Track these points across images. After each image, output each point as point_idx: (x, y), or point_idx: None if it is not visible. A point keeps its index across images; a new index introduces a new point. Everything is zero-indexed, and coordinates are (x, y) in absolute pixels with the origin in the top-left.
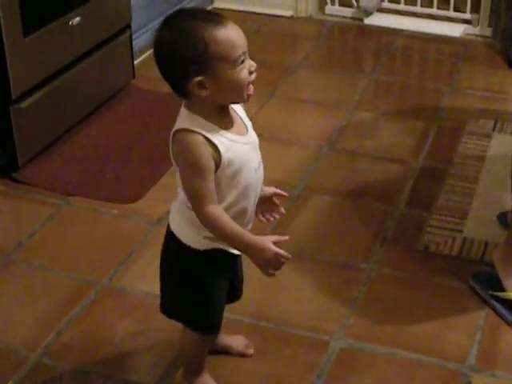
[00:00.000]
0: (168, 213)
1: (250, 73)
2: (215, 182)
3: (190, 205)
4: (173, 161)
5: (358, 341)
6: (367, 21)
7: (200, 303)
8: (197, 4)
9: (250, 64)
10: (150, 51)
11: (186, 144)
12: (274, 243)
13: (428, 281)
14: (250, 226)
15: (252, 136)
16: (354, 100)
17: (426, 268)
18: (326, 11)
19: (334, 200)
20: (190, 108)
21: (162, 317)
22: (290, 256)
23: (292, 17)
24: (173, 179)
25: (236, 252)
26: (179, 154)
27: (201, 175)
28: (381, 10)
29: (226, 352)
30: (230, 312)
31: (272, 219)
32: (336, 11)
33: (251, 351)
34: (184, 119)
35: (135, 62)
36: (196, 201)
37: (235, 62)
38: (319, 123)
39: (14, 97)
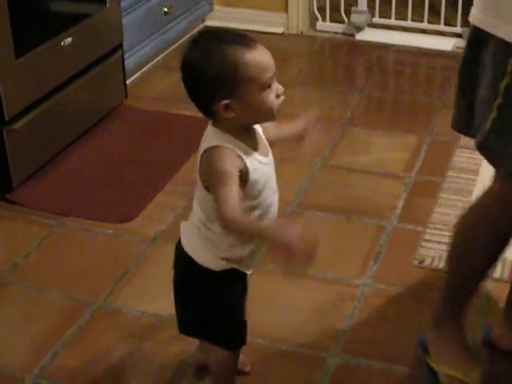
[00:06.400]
0: (163, 232)
1: (278, 96)
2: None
3: (210, 227)
4: (198, 180)
5: (354, 357)
6: (358, 36)
7: (226, 321)
8: (189, 23)
9: (278, 87)
10: (142, 71)
11: (215, 155)
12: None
13: (423, 295)
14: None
15: (272, 157)
16: (347, 116)
17: (422, 283)
18: (317, 27)
19: (327, 216)
20: (218, 126)
21: (158, 336)
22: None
23: (283, 33)
24: (166, 198)
25: (247, 271)
26: (207, 167)
27: (226, 182)
28: (372, 26)
29: None
30: None
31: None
32: (327, 27)
33: (248, 368)
34: (214, 137)
35: (127, 82)
36: (220, 207)
37: (263, 86)
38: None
39: (7, 118)
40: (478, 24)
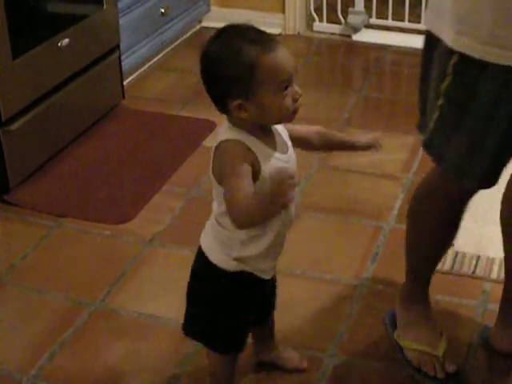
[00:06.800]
0: (160, 233)
1: (295, 100)
2: None
3: (221, 221)
4: (211, 175)
5: (351, 357)
6: (355, 37)
7: (227, 324)
8: (186, 23)
9: (294, 91)
10: (139, 71)
11: (227, 149)
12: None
13: None
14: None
15: (292, 155)
16: (344, 117)
17: None
18: (314, 28)
19: (325, 217)
20: (233, 123)
21: (155, 337)
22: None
23: (280, 34)
24: (164, 199)
25: (264, 276)
26: (218, 162)
27: (239, 174)
28: (368, 26)
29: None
30: None
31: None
32: (324, 28)
33: (305, 364)
34: (228, 132)
35: (124, 83)
36: (231, 201)
37: (279, 88)
38: None
39: (4, 119)
40: (427, 26)
